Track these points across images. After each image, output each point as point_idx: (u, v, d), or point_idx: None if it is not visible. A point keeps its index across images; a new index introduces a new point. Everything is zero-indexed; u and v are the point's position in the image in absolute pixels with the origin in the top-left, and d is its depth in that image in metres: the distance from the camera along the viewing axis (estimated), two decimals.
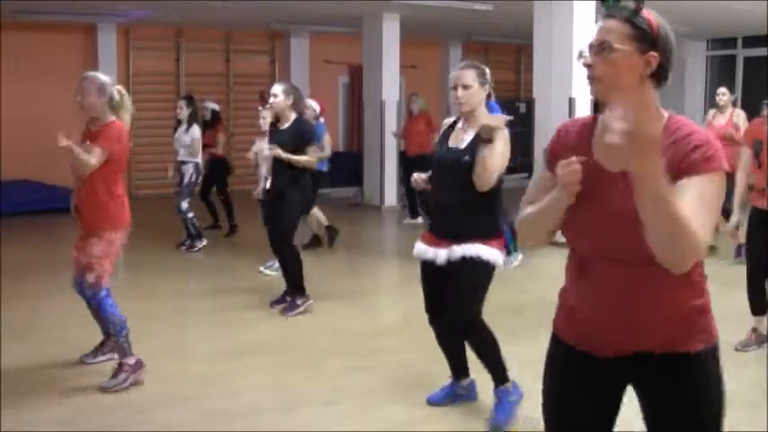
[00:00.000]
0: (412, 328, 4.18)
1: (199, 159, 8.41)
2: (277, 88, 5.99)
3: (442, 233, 3.85)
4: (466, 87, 3.78)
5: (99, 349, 4.77)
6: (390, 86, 12.06)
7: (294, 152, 5.85)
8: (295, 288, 6.06)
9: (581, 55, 1.98)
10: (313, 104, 8.29)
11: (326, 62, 14.27)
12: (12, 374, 4.51)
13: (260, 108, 7.65)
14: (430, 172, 3.96)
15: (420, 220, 9.40)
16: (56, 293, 4.98)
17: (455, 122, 3.95)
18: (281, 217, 5.97)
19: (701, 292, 2.03)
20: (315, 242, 8.52)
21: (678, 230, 1.75)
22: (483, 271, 3.79)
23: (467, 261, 3.75)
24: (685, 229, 1.75)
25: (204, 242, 8.52)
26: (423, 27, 12.80)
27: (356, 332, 5.58)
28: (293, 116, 5.96)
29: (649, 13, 1.95)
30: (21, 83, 11.84)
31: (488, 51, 15.75)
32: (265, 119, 7.11)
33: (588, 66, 1.94)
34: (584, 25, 8.46)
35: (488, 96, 3.92)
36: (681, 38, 13.81)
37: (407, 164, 10.20)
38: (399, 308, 4.31)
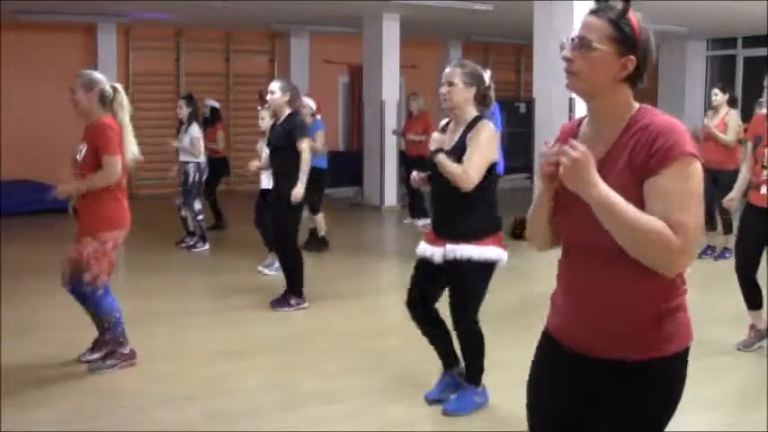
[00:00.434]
0: (412, 328, 4.17)
1: (200, 159, 8.40)
2: (274, 85, 6.06)
3: (439, 232, 3.92)
4: (450, 84, 3.83)
5: (95, 346, 4.79)
6: (390, 86, 12.06)
7: (288, 148, 5.90)
8: (294, 288, 6.09)
9: (562, 47, 2.01)
10: (309, 102, 8.31)
11: (326, 62, 14.27)
12: (12, 374, 4.51)
13: (259, 108, 7.67)
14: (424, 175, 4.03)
15: (420, 220, 9.41)
16: (56, 293, 4.97)
17: (449, 123, 3.99)
18: (283, 217, 5.99)
19: (673, 294, 1.99)
20: (312, 243, 8.53)
21: (644, 237, 1.81)
22: (479, 271, 3.84)
23: (461, 262, 3.80)
24: (651, 234, 1.80)
25: (207, 246, 8.51)
26: (423, 27, 12.79)
27: (356, 332, 5.58)
28: (288, 112, 6.01)
29: (634, 16, 1.96)
30: (21, 83, 11.85)
31: (488, 51, 15.75)
32: (264, 119, 7.14)
33: (567, 59, 1.97)
34: None
35: (483, 98, 3.92)
36: (681, 38, 13.83)
37: (407, 164, 10.20)
38: (399, 308, 4.30)
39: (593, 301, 2.00)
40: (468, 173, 3.74)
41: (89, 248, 4.44)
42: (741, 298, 5.15)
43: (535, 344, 2.29)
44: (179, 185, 8.57)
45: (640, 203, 1.86)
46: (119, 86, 4.63)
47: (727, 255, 7.33)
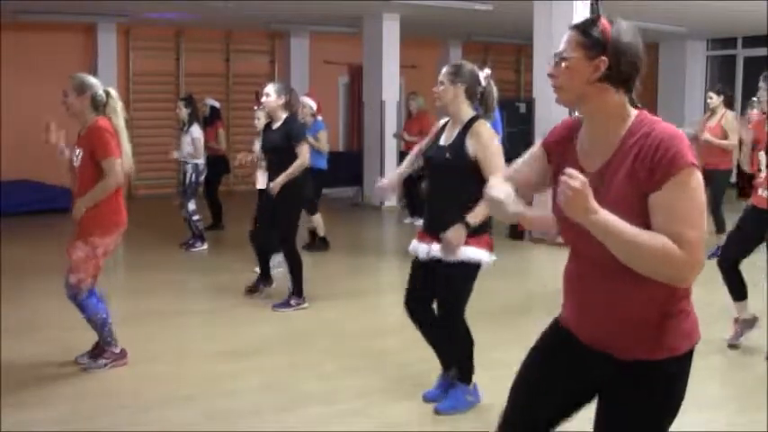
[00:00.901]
0: (412, 328, 4.17)
1: (200, 160, 8.40)
2: (270, 88, 6.08)
3: (431, 230, 3.94)
4: (440, 84, 3.92)
5: (95, 349, 4.79)
6: (390, 86, 12.06)
7: (285, 152, 5.92)
8: (293, 288, 6.10)
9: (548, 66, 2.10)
10: (309, 102, 8.32)
11: (326, 62, 14.27)
12: (12, 374, 4.51)
13: (255, 108, 7.68)
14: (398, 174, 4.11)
15: (420, 220, 9.40)
16: (56, 293, 4.97)
17: (447, 122, 4.03)
18: (281, 219, 6.00)
19: (676, 297, 2.01)
20: (312, 240, 8.54)
21: (647, 256, 1.85)
22: (465, 271, 3.86)
23: (449, 261, 3.83)
24: (654, 252, 1.84)
25: (205, 246, 8.51)
26: (423, 27, 12.79)
27: (356, 332, 5.58)
28: (284, 116, 6.02)
29: (607, 21, 2.01)
30: (21, 83, 11.84)
31: (488, 51, 15.75)
32: (260, 119, 7.16)
33: (551, 76, 2.05)
34: None
35: (481, 97, 3.94)
36: (681, 38, 13.83)
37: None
38: (399, 308, 4.30)
39: (597, 305, 2.05)
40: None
41: (79, 252, 4.46)
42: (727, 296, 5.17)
43: (532, 344, 2.32)
44: (178, 185, 8.57)
45: (643, 212, 1.90)
46: (112, 91, 4.61)
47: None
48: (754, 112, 5.18)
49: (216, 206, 9.66)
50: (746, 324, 5.18)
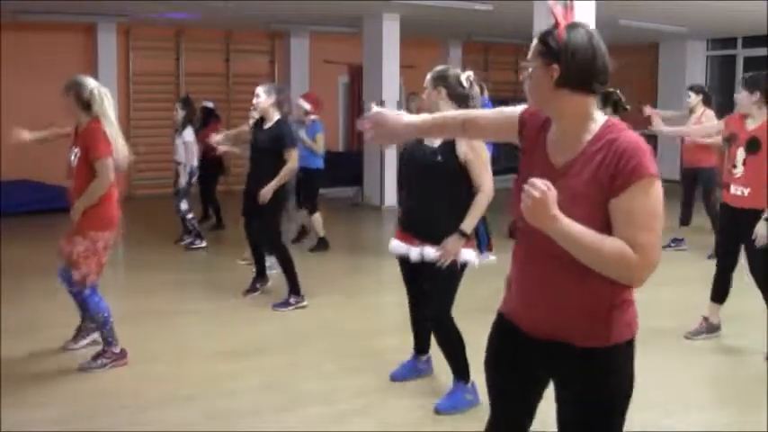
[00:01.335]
0: (411, 328, 4.18)
1: (192, 163, 8.43)
2: (260, 89, 6.15)
3: (414, 231, 3.99)
4: (424, 89, 4.04)
5: (79, 333, 4.86)
6: (390, 86, 12.05)
7: (273, 153, 5.95)
8: (290, 287, 6.10)
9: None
10: (302, 103, 8.34)
11: (326, 62, 14.26)
12: (12, 374, 4.51)
13: (252, 109, 7.70)
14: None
15: None
16: (56, 293, 4.98)
17: None
18: (264, 221, 6.05)
19: (622, 289, 2.11)
20: (302, 235, 8.57)
21: (606, 259, 1.98)
22: (453, 272, 3.91)
23: (437, 262, 3.89)
24: (612, 256, 1.97)
25: (204, 243, 8.52)
26: (423, 27, 12.79)
27: (356, 332, 5.58)
28: (276, 116, 6.04)
29: (564, 28, 2.07)
30: (21, 83, 11.83)
31: (488, 51, 15.74)
32: (254, 118, 7.18)
33: (523, 81, 2.21)
34: None
35: (462, 98, 3.97)
36: (681, 38, 13.83)
37: None
38: (399, 308, 4.31)
39: (550, 298, 2.14)
40: (486, 191, 3.89)
41: (80, 248, 4.51)
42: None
43: (487, 346, 2.38)
44: (174, 186, 8.60)
45: (601, 212, 2.02)
46: (100, 92, 4.61)
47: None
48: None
49: (214, 206, 9.65)
50: (710, 328, 5.30)
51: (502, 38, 14.70)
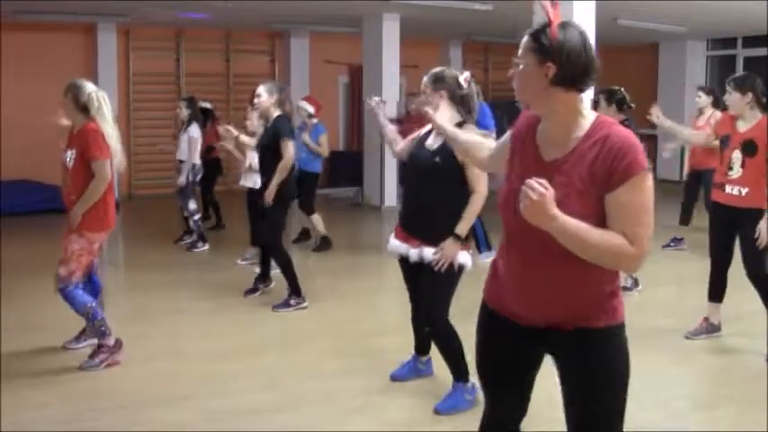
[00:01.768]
0: (411, 328, 4.18)
1: (196, 160, 8.42)
2: (261, 88, 6.15)
3: (414, 232, 3.99)
4: (422, 93, 4.04)
5: (82, 334, 4.90)
6: (390, 86, 12.04)
7: (274, 149, 5.97)
8: (291, 288, 6.10)
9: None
10: (305, 106, 8.35)
11: (326, 62, 14.26)
12: (12, 374, 4.51)
13: (249, 109, 7.73)
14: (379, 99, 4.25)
15: None
16: (56, 293, 4.98)
17: (431, 130, 4.08)
18: (267, 222, 6.06)
19: (612, 277, 2.23)
20: (304, 236, 8.57)
21: (604, 252, 2.06)
22: (449, 274, 3.92)
23: (433, 262, 3.90)
24: (610, 249, 2.05)
25: (206, 246, 8.51)
26: (423, 27, 12.78)
27: (356, 332, 5.58)
28: (276, 114, 6.05)
29: (557, 26, 2.14)
30: (21, 83, 11.83)
31: (488, 51, 15.74)
32: (251, 120, 7.22)
33: (510, 77, 2.23)
34: (584, 25, 8.40)
35: (461, 100, 3.95)
36: (681, 38, 13.83)
37: None
38: (399, 308, 4.31)
39: (545, 288, 2.20)
40: (480, 192, 3.89)
41: (75, 245, 4.55)
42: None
43: (477, 335, 2.43)
44: (177, 186, 8.58)
45: (595, 206, 2.09)
46: (98, 94, 4.62)
47: None
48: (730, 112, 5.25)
49: (214, 206, 9.65)
50: (711, 328, 5.29)
51: (502, 38, 14.65)
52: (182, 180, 8.33)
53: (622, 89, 5.94)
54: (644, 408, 3.96)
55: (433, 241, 3.89)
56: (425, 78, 4.02)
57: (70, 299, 4.62)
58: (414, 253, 3.97)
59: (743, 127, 5.00)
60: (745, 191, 4.92)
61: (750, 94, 4.95)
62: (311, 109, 8.32)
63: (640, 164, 2.08)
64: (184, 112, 8.42)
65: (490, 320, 2.39)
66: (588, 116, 2.17)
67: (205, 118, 9.55)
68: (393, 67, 12.08)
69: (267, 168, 6.05)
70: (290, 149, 5.98)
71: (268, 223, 6.10)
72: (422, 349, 4.46)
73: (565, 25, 2.14)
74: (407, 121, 10.50)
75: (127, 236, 8.58)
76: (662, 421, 3.96)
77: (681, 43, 14.48)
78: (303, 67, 14.21)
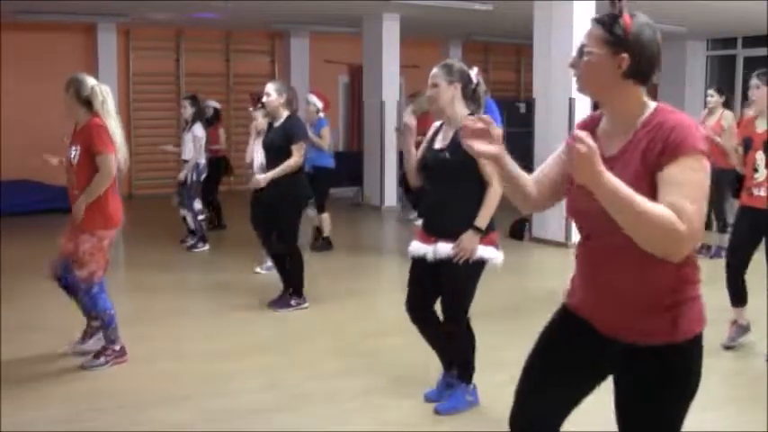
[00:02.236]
0: (412, 328, 4.17)
1: (201, 159, 8.41)
2: (270, 87, 6.07)
3: (433, 231, 3.92)
4: (434, 86, 3.87)
5: (86, 334, 4.87)
6: (390, 86, 12.06)
7: (286, 150, 5.92)
8: (294, 288, 6.10)
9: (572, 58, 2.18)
10: (314, 100, 8.33)
11: (326, 62, 14.27)
12: (12, 374, 4.51)
13: (251, 109, 7.69)
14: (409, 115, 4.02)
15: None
16: (56, 293, 4.98)
17: (442, 124, 4.00)
18: (282, 219, 6.00)
19: (689, 282, 2.10)
20: (317, 238, 8.54)
21: (650, 222, 1.88)
22: (472, 268, 3.84)
23: (454, 259, 3.82)
24: (657, 219, 1.88)
25: (207, 246, 8.51)
26: (423, 27, 12.79)
27: (356, 332, 5.58)
28: (285, 114, 6.01)
29: (630, 19, 2.06)
30: (21, 83, 11.84)
31: (488, 51, 15.75)
32: (257, 119, 7.18)
33: (572, 66, 2.16)
34: (584, 25, 8.40)
35: (473, 95, 3.93)
36: (681, 38, 13.83)
37: None
38: (399, 308, 4.30)
39: (616, 292, 2.11)
40: (495, 185, 3.78)
41: (87, 245, 4.51)
42: (720, 297, 5.16)
43: (532, 344, 2.33)
44: (177, 185, 8.57)
45: (646, 191, 1.95)
46: (102, 89, 4.61)
47: (723, 254, 7.38)
48: (750, 113, 5.17)
49: (215, 206, 9.67)
50: (741, 330, 5.19)
51: (502, 38, 14.70)
52: (181, 177, 8.32)
53: None
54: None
55: (451, 238, 3.82)
56: (437, 70, 3.89)
57: (93, 301, 4.61)
58: (430, 250, 3.89)
59: (762, 127, 4.94)
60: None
61: None
62: (320, 104, 8.31)
63: (695, 143, 1.97)
64: (188, 111, 8.39)
65: (565, 313, 2.32)
66: (650, 105, 2.11)
67: (214, 117, 9.56)
68: (393, 67, 12.09)
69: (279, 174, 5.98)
70: (300, 151, 5.96)
71: (284, 227, 6.04)
72: (449, 362, 4.21)
73: (636, 17, 2.07)
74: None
75: (127, 236, 8.57)
76: None
77: (681, 43, 14.49)
78: (303, 67, 14.22)
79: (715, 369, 4.95)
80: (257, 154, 7.03)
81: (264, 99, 6.06)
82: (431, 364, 4.27)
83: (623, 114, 2.11)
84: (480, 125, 2.13)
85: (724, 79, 14.14)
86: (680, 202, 1.90)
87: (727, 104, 8.16)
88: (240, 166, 10.81)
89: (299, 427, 3.91)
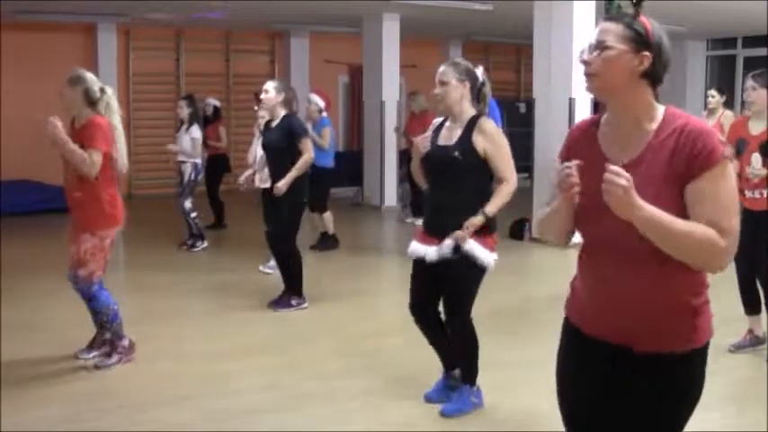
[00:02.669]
0: (412, 328, 4.17)
1: (198, 160, 8.41)
2: (269, 85, 6.08)
3: (435, 231, 3.89)
4: (443, 84, 3.84)
5: (93, 343, 4.82)
6: (390, 86, 12.05)
7: (286, 149, 5.92)
8: (293, 288, 6.09)
9: (582, 54, 2.11)
10: (316, 100, 8.32)
11: (326, 62, 14.27)
12: (12, 374, 4.51)
13: (256, 108, 7.67)
14: (429, 134, 3.99)
15: (421, 220, 9.40)
16: (56, 293, 4.99)
17: (443, 122, 3.98)
18: (283, 217, 5.99)
19: (696, 290, 2.08)
20: (323, 243, 8.53)
21: (694, 245, 1.92)
22: (474, 269, 3.83)
23: (457, 259, 3.79)
24: (702, 242, 1.91)
25: (205, 243, 8.51)
26: (423, 27, 12.79)
27: (356, 332, 5.58)
28: (283, 113, 6.01)
29: (647, 20, 2.06)
30: (21, 83, 11.84)
31: (488, 51, 15.75)
32: (264, 117, 7.14)
33: (585, 63, 2.07)
34: (584, 25, 8.43)
35: (478, 94, 3.92)
36: (681, 38, 13.83)
37: (409, 163, 10.17)
38: (399, 308, 4.31)
39: (628, 301, 2.07)
40: (510, 182, 3.81)
41: (87, 245, 4.51)
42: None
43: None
44: (177, 185, 8.57)
45: (678, 203, 1.96)
46: (108, 89, 4.61)
47: None
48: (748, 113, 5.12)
49: (217, 205, 9.67)
50: (756, 340, 5.09)
51: (502, 38, 14.70)
52: (186, 180, 8.33)
53: None
54: None
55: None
56: (446, 68, 3.87)
57: (94, 299, 4.59)
58: (432, 251, 3.86)
59: (756, 128, 4.88)
60: (766, 192, 4.82)
61: None
62: (322, 104, 8.30)
63: (721, 151, 1.96)
64: (185, 111, 8.39)
65: (575, 341, 2.22)
66: (659, 108, 2.07)
67: (214, 115, 9.56)
68: (393, 67, 12.09)
69: (279, 168, 5.95)
70: (309, 147, 5.95)
71: (283, 223, 6.03)
72: (450, 363, 4.19)
73: (649, 18, 2.07)
74: (411, 120, 10.52)
75: (127, 236, 8.56)
76: None
77: (681, 43, 14.49)
78: (303, 67, 14.22)
79: (715, 369, 4.93)
80: (259, 153, 7.03)
81: (262, 96, 6.05)
82: (431, 364, 4.27)
83: (633, 116, 2.06)
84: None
85: (724, 79, 14.14)
86: (717, 218, 1.92)
87: (728, 104, 8.15)
88: (240, 166, 10.82)
89: (299, 427, 3.91)
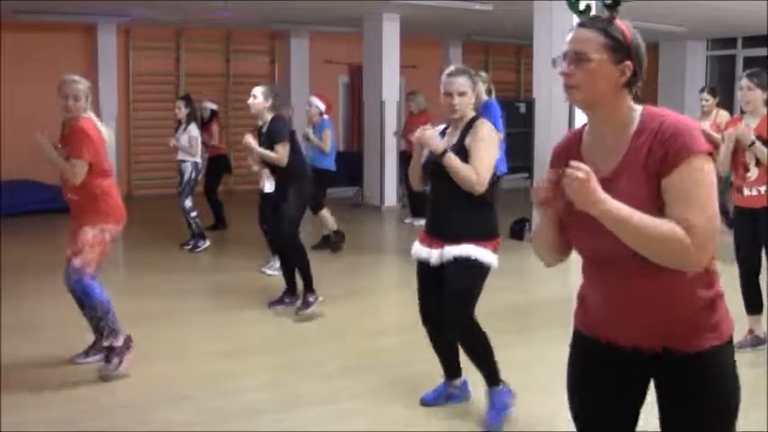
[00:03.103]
0: (412, 328, 4.18)
1: (197, 159, 8.42)
2: (257, 90, 6.17)
3: (437, 234, 3.88)
4: (462, 95, 3.82)
5: (90, 349, 4.79)
6: (390, 86, 12.06)
7: (272, 151, 5.97)
8: (305, 285, 6.07)
9: (555, 63, 2.04)
10: (317, 102, 8.32)
11: (326, 62, 14.27)
12: (12, 374, 4.51)
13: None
14: (428, 126, 4.00)
15: (420, 220, 9.40)
16: (56, 293, 4.98)
17: (445, 129, 3.98)
18: (284, 216, 6.00)
19: (708, 286, 2.01)
20: (324, 244, 8.52)
21: (655, 241, 1.86)
22: (476, 272, 3.81)
23: (459, 262, 3.77)
24: (662, 237, 1.84)
25: (207, 243, 8.51)
26: (423, 27, 12.79)
27: (356, 332, 5.58)
28: (269, 117, 6.08)
29: (621, 23, 2.00)
30: (21, 83, 11.84)
31: (488, 51, 15.75)
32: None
33: (565, 74, 1.99)
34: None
35: (477, 97, 3.94)
36: (681, 38, 13.83)
37: (408, 163, 10.17)
38: (399, 308, 4.31)
39: (627, 300, 2.02)
40: (480, 174, 3.72)
41: (88, 235, 4.47)
42: (739, 298, 5.14)
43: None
44: (177, 185, 8.58)
45: (655, 202, 1.90)
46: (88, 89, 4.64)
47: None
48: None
49: (217, 206, 9.66)
50: (756, 340, 5.08)
51: (502, 38, 14.70)
52: (185, 179, 8.33)
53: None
54: (643, 408, 3.96)
55: (456, 240, 3.78)
56: (460, 79, 3.83)
57: (86, 291, 4.50)
58: (435, 254, 3.84)
59: (751, 127, 4.91)
60: (763, 189, 4.84)
61: (767, 93, 4.86)
62: (323, 107, 8.31)
63: (696, 145, 1.89)
64: (183, 111, 8.42)
65: (581, 345, 2.18)
66: (636, 109, 2.01)
67: (211, 118, 9.57)
68: (393, 68, 12.09)
69: (273, 171, 6.05)
70: (280, 152, 5.96)
71: (285, 220, 6.03)
72: (452, 372, 4.15)
73: (624, 21, 1.99)
74: (410, 120, 10.52)
75: (126, 236, 8.56)
76: None
77: (681, 43, 14.49)
78: (303, 68, 14.22)
79: None
80: None
81: (249, 101, 6.13)
82: (430, 365, 4.26)
83: (615, 124, 2.00)
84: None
85: (724, 79, 14.15)
86: (685, 215, 1.86)
87: (726, 104, 8.15)
88: (240, 166, 10.84)
89: (299, 427, 3.91)
